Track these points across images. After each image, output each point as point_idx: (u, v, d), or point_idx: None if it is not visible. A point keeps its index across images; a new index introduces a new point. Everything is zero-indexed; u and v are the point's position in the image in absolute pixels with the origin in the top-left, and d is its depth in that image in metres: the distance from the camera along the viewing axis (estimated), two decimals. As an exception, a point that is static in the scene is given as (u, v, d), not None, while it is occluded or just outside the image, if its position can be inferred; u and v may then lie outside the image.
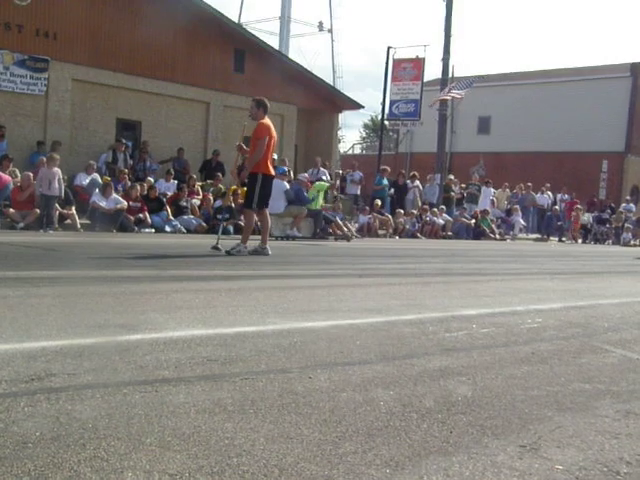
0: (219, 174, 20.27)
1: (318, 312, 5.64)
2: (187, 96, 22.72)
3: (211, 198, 18.64)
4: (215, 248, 10.83)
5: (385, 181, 24.24)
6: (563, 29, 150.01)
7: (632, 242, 28.20)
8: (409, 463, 2.52)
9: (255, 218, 11.15)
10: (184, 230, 16.96)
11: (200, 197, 18.88)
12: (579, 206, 28.45)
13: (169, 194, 18.39)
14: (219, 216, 17.38)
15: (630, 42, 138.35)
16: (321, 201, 18.91)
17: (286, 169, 19.49)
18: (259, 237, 11.17)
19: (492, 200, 26.11)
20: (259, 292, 6.79)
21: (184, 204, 17.82)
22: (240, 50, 23.74)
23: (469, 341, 4.87)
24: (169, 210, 17.22)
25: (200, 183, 20.05)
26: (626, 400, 3.60)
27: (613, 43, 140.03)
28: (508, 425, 3.05)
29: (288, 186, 18.37)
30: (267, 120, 10.92)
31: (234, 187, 16.38)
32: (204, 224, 17.49)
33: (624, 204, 31.67)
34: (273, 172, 11.20)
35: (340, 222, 19.35)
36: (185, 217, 17.49)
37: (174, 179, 19.56)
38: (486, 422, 3.07)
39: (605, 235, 29.17)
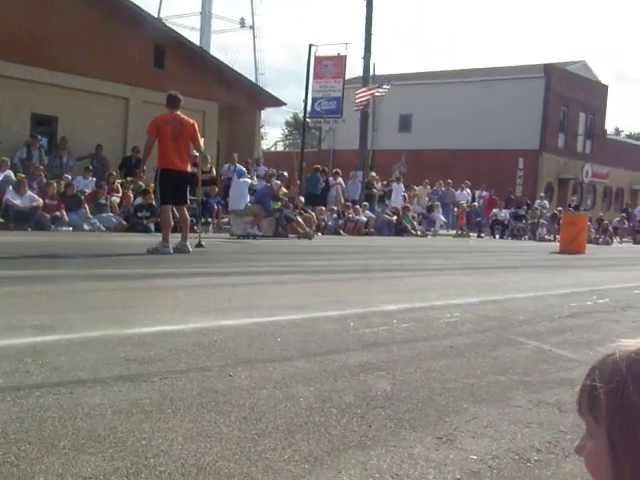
0: (139, 171, 19.91)
1: (239, 310, 5.61)
2: (105, 91, 22.20)
3: (131, 195, 18.30)
4: (199, 245, 10.91)
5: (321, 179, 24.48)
6: (481, 29, 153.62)
7: (547, 237, 29.10)
8: (328, 458, 2.54)
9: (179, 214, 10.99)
10: (103, 228, 16.59)
11: (120, 195, 18.50)
12: (463, 202, 28.74)
13: (87, 191, 17.94)
14: (140, 214, 17.12)
15: (544, 43, 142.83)
16: (277, 202, 18.78)
17: (244, 170, 19.37)
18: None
19: (403, 196, 26.41)
20: (180, 290, 6.71)
21: (103, 202, 17.42)
22: (160, 45, 23.35)
23: (389, 336, 4.93)
24: (87, 208, 16.80)
25: (120, 180, 19.64)
26: (538, 390, 3.72)
27: (528, 44, 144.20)
28: (425, 418, 3.11)
29: (251, 182, 18.37)
30: (166, 114, 10.71)
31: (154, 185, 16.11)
32: (124, 222, 17.15)
33: (539, 200, 32.64)
34: (180, 167, 10.66)
35: (301, 221, 19.21)
36: (104, 215, 17.11)
37: (93, 176, 19.12)
38: (404, 415, 3.12)
39: (521, 231, 30.01)
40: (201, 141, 11.18)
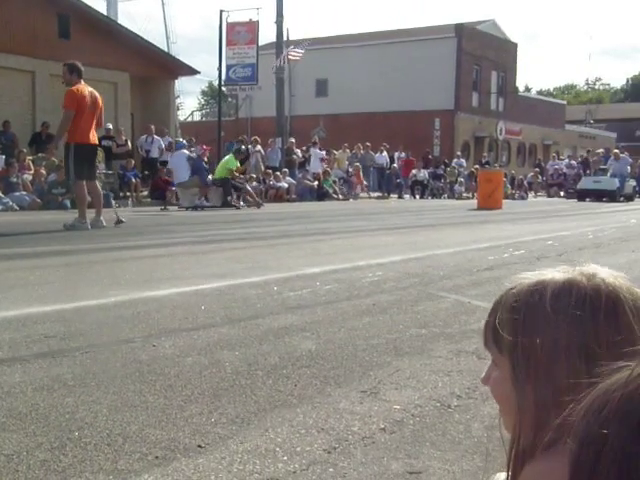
0: (51, 147, 19.30)
1: (162, 281, 5.56)
2: (8, 65, 21.34)
3: (44, 172, 17.74)
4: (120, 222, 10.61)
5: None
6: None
7: (465, 195, 29.75)
8: (255, 418, 2.56)
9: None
10: (17, 207, 16.07)
11: (32, 172, 17.91)
12: (357, 164, 28.86)
13: (-3, 170, 17.32)
14: (54, 191, 16.65)
15: (454, 3, 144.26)
16: (226, 171, 18.50)
17: (183, 142, 19.27)
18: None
19: (321, 159, 26.39)
20: (99, 265, 6.59)
21: (14, 180, 16.85)
22: (64, 15, 22.51)
23: (313, 298, 4.98)
24: (-2, 187, 16.24)
25: (31, 157, 19.00)
26: (458, 340, 3.83)
27: (439, 4, 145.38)
28: (350, 374, 3.17)
29: (188, 153, 18.22)
30: (79, 87, 10.35)
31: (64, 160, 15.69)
32: (38, 200, 16.65)
33: (456, 159, 33.25)
34: (93, 141, 10.51)
35: (250, 190, 19.30)
36: (17, 194, 16.56)
37: (1, 154, 18.43)
38: (329, 373, 3.17)
39: (441, 190, 30.58)
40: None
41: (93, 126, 10.52)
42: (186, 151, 18.45)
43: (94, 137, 10.56)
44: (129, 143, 21.36)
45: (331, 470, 2.14)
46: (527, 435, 0.96)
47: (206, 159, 19.18)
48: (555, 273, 0.99)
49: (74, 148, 10.22)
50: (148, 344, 3.55)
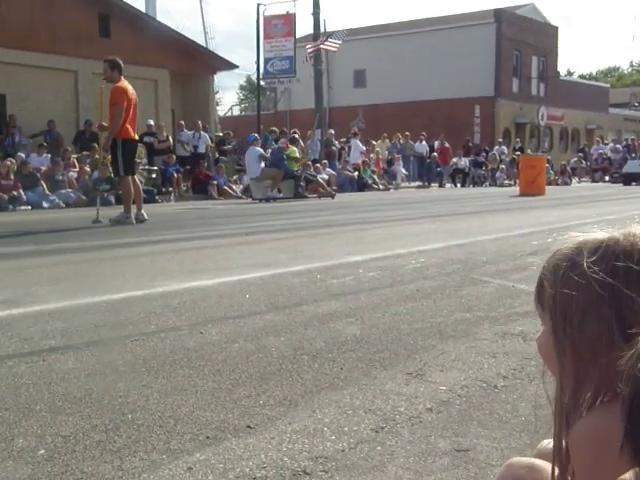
0: (95, 144, 19.63)
1: (206, 272, 5.63)
2: (52, 65, 21.72)
3: (89, 169, 18.05)
4: (96, 221, 10.54)
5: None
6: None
7: (506, 182, 29.43)
8: (302, 400, 2.60)
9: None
10: (63, 204, 16.38)
11: (77, 169, 18.24)
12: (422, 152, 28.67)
13: (43, 169, 17.65)
14: (99, 187, 16.92)
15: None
16: (293, 164, 18.90)
17: (255, 136, 19.57)
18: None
19: (361, 152, 26.31)
20: (144, 258, 6.70)
21: (60, 178, 17.18)
22: (104, 14, 22.84)
23: (356, 285, 5.00)
24: (44, 185, 16.56)
25: (75, 155, 19.34)
26: (503, 323, 3.82)
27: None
28: (395, 357, 3.19)
29: (261, 151, 18.71)
30: (123, 82, 10.48)
31: (110, 157, 15.93)
32: (84, 197, 16.95)
33: (497, 146, 32.91)
34: (136, 136, 10.74)
35: (322, 181, 19.99)
36: (63, 191, 16.88)
37: (47, 153, 18.79)
38: (374, 356, 3.19)
39: (482, 177, 30.30)
40: None
41: (136, 122, 10.70)
42: (259, 149, 18.87)
43: (136, 133, 10.75)
44: (170, 139, 21.58)
45: (379, 448, 2.16)
46: (568, 391, 0.98)
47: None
48: (598, 232, 1.01)
49: (121, 144, 10.40)
50: (195, 331, 3.61)
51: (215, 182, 20.24)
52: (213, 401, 2.58)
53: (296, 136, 21.12)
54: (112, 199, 16.29)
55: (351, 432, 2.29)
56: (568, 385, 0.99)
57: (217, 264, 6.10)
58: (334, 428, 2.32)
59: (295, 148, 19.61)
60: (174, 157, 20.53)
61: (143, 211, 10.73)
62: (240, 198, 20.15)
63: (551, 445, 1.06)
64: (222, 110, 52.75)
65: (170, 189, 19.67)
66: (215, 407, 2.52)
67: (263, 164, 18.48)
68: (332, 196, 18.97)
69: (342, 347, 3.33)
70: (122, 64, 10.63)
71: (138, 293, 4.65)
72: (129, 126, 10.43)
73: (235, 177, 23.63)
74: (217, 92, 41.74)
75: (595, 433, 0.93)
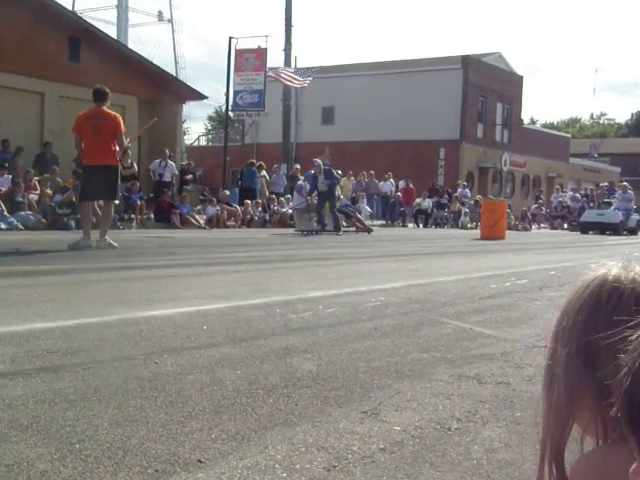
0: (55, 167, 19.44)
1: (164, 301, 5.57)
2: (19, 86, 21.54)
3: (50, 192, 17.84)
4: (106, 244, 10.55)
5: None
6: (400, 21, 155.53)
7: (469, 225, 29.79)
8: (255, 435, 2.57)
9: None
10: (21, 227, 16.13)
11: (38, 192, 18.01)
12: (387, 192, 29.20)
13: (3, 189, 17.41)
14: (60, 211, 16.73)
15: (461, 35, 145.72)
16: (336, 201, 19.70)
17: (313, 172, 19.73)
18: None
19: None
20: (102, 284, 6.62)
21: (20, 199, 16.94)
22: (75, 38, 22.76)
23: (315, 321, 4.99)
24: (3, 206, 16.31)
25: (37, 177, 19.11)
26: (459, 365, 3.83)
27: (446, 36, 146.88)
28: (351, 395, 3.18)
29: (301, 182, 19.94)
30: (88, 111, 10.78)
31: (71, 180, 15.87)
32: (43, 220, 16.73)
33: (460, 189, 33.33)
34: (102, 162, 10.55)
35: (360, 216, 21.19)
36: (22, 213, 16.64)
37: (8, 174, 18.54)
38: (330, 393, 3.17)
39: (445, 219, 30.63)
40: (124, 136, 11.05)
41: (106, 148, 10.60)
42: (304, 183, 19.90)
43: (106, 159, 10.61)
44: (135, 165, 21.45)
45: (330, 487, 2.14)
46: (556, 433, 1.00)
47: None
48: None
49: (82, 169, 10.41)
50: (150, 361, 3.56)
51: (178, 211, 20.14)
52: (164, 433, 2.53)
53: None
54: (72, 223, 16.10)
55: (302, 470, 2.26)
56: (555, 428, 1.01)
57: (176, 294, 6.04)
58: (286, 465, 2.29)
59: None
60: (138, 184, 20.40)
61: (107, 237, 10.63)
62: (203, 228, 20.09)
63: None
64: (189, 140, 52.71)
65: (132, 216, 19.51)
66: (166, 440, 2.47)
67: (302, 197, 19.37)
68: (369, 231, 19.82)
69: (298, 383, 3.31)
70: (102, 92, 10.85)
71: (94, 320, 4.57)
72: (91, 153, 10.56)
73: (199, 207, 23.55)
74: (185, 121, 41.74)
75: (596, 471, 0.94)
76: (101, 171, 10.60)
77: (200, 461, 2.29)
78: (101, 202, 11.75)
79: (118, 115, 10.92)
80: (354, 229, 20.24)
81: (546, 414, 1.02)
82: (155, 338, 4.11)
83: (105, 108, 10.77)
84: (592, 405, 0.96)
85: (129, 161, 20.71)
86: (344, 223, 20.31)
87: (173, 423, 2.65)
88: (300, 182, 19.83)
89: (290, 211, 23.46)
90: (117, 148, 10.80)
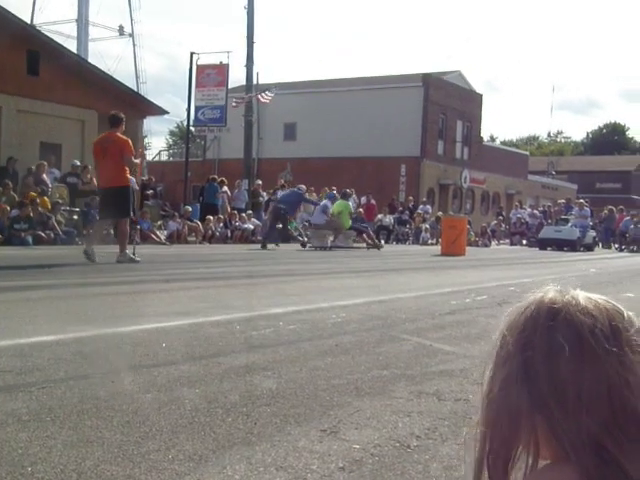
0: (7, 181, 19.10)
1: (123, 318, 5.49)
2: (-25, 100, 21.23)
3: (7, 207, 17.53)
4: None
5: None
6: (362, 39, 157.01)
7: (430, 241, 30.00)
8: (213, 456, 2.54)
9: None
10: (-23, 242, 15.81)
11: (-6, 207, 17.67)
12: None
13: (-42, 205, 17.06)
14: (16, 226, 16.44)
15: (422, 54, 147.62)
16: (348, 217, 20.70)
17: (334, 194, 22.09)
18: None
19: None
20: (60, 301, 6.50)
21: (-24, 215, 16.62)
22: (34, 51, 22.48)
23: (275, 338, 4.96)
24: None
25: (-3, 192, 18.74)
26: (419, 382, 3.84)
27: (407, 54, 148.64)
28: (310, 413, 3.16)
29: (329, 204, 20.66)
30: (101, 135, 11.64)
31: (34, 194, 15.61)
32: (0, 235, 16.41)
33: (422, 206, 33.59)
34: (108, 184, 11.23)
35: (371, 233, 21.98)
36: (-23, 229, 16.32)
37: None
38: (289, 411, 3.15)
39: (406, 235, 30.80)
40: (134, 158, 11.61)
41: (111, 170, 11.11)
42: (328, 202, 20.94)
43: (111, 181, 11.17)
44: (94, 181, 21.25)
45: (288, 508, 2.12)
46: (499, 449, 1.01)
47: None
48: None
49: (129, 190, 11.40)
50: (106, 380, 3.50)
51: (138, 227, 19.95)
52: (120, 454, 2.49)
53: (348, 191, 22.81)
54: (29, 239, 15.84)
55: (261, 490, 2.24)
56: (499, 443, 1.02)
57: (135, 310, 5.97)
58: (244, 486, 2.27)
59: (349, 203, 21.38)
60: (97, 199, 20.16)
61: (127, 251, 11.15)
62: (164, 244, 19.91)
63: None
64: (150, 155, 52.33)
65: (91, 231, 19.25)
66: (122, 461, 2.43)
67: (326, 216, 20.10)
68: (379, 247, 20.36)
69: (257, 401, 3.29)
70: (116, 117, 11.52)
71: (50, 338, 4.49)
72: (100, 175, 11.63)
73: (159, 222, 23.35)
74: (145, 136, 41.48)
75: None
76: (110, 193, 11.20)
77: (156, 483, 2.25)
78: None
79: (127, 139, 11.37)
80: (365, 245, 20.88)
81: (485, 432, 1.03)
82: (112, 356, 4.05)
83: (118, 133, 11.30)
84: (528, 422, 0.98)
85: (88, 176, 20.73)
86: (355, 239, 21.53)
87: (129, 444, 2.60)
88: (325, 202, 21.03)
89: (252, 227, 23.41)
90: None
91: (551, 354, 0.97)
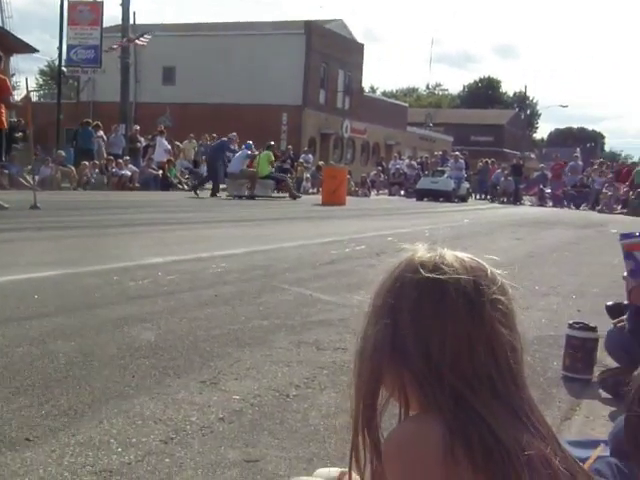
0: None
1: (-9, 268, 5.24)
2: None
3: None
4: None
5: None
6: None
7: (311, 190, 30.18)
8: (89, 410, 2.48)
9: None
10: None
11: None
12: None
13: None
14: None
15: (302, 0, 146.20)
16: (268, 166, 20.85)
17: (250, 143, 21.33)
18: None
19: (167, 150, 25.80)
20: None
21: None
22: None
23: (154, 288, 4.89)
24: None
25: None
26: (299, 332, 3.89)
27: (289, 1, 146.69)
28: (190, 364, 3.14)
29: (249, 153, 20.65)
30: None
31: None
32: None
33: (303, 155, 33.66)
34: None
35: (290, 183, 22.51)
36: None
37: None
38: (169, 363, 3.12)
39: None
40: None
41: None
42: (249, 151, 20.81)
43: None
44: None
45: (167, 460, 2.11)
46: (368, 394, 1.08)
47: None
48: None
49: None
50: (-26, 334, 3.35)
51: (7, 171, 18.99)
52: (-11, 412, 2.39)
53: (271, 143, 22.87)
54: None
55: (139, 443, 2.22)
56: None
57: (5, 260, 5.71)
58: (121, 439, 2.24)
59: (270, 153, 21.47)
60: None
61: None
62: (35, 190, 19.02)
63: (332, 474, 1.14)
64: (19, 95, 49.57)
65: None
66: (-9, 418, 2.34)
67: (245, 165, 20.20)
68: (295, 197, 20.98)
69: (135, 353, 3.23)
70: None
71: None
72: None
73: (29, 167, 22.29)
74: (13, 75, 39.19)
75: (410, 442, 0.98)
76: None
77: (28, 439, 2.19)
78: None
79: (5, 78, 10.46)
80: (287, 195, 21.24)
81: (356, 385, 1.08)
82: (-20, 309, 3.87)
83: None
84: (397, 377, 1.03)
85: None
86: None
87: (-1, 400, 2.51)
88: (244, 150, 20.87)
89: (129, 173, 22.75)
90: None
91: (416, 311, 1.02)
